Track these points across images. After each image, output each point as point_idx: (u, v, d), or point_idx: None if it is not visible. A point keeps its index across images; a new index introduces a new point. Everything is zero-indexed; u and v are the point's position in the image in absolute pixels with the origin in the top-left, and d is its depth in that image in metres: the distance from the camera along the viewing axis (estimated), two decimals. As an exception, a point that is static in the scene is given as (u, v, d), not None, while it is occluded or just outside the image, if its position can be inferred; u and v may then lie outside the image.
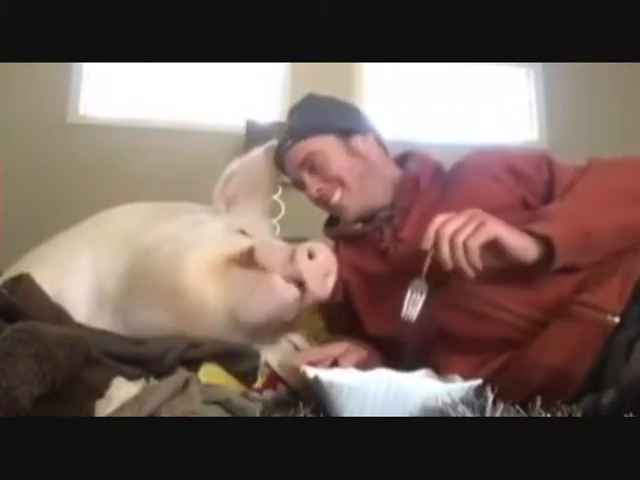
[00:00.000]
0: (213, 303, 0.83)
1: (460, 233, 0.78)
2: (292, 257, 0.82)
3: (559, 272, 0.82)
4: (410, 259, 0.96)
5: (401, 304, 0.92)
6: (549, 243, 0.78)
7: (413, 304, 0.84)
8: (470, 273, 0.79)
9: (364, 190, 1.04)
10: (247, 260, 0.85)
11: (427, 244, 0.81)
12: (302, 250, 0.82)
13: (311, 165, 1.06)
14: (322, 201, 1.08)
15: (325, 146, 1.06)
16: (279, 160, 1.12)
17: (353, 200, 1.04)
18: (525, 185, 0.97)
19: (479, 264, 0.78)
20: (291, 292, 0.82)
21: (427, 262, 0.83)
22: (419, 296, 0.84)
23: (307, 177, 1.07)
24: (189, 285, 0.84)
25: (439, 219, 0.81)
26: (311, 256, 0.82)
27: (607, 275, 0.82)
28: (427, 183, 1.04)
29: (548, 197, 0.95)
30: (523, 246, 0.79)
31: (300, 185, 1.11)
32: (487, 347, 0.89)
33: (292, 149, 1.08)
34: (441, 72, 3.44)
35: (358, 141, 1.08)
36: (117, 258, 0.93)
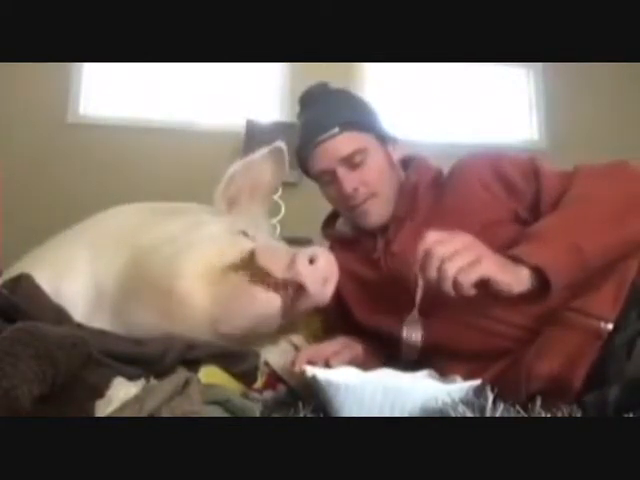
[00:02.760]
0: (199, 309, 0.84)
1: (451, 263, 0.73)
2: (293, 261, 0.82)
3: None
4: (399, 272, 0.96)
5: (389, 310, 0.92)
6: (542, 273, 0.75)
7: (410, 340, 0.81)
8: (453, 294, 0.75)
9: (390, 201, 1.02)
10: (248, 263, 0.85)
11: (418, 267, 0.76)
12: (303, 254, 0.82)
13: (355, 162, 0.99)
14: (349, 200, 1.01)
15: (371, 147, 1.01)
16: (308, 146, 1.02)
17: (379, 211, 1.02)
18: (516, 198, 0.94)
19: (467, 293, 0.75)
20: (272, 304, 0.82)
21: (420, 290, 0.78)
22: (414, 335, 0.81)
23: (344, 172, 0.99)
24: (180, 289, 0.84)
25: (431, 237, 0.76)
26: (312, 261, 0.82)
27: (601, 281, 0.81)
28: (424, 192, 1.02)
29: (536, 208, 0.92)
30: (516, 283, 0.75)
31: (326, 176, 1.03)
32: (482, 356, 0.89)
33: (336, 139, 0.99)
34: (441, 72, 3.44)
35: (391, 149, 1.06)
36: (116, 258, 0.93)
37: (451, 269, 0.73)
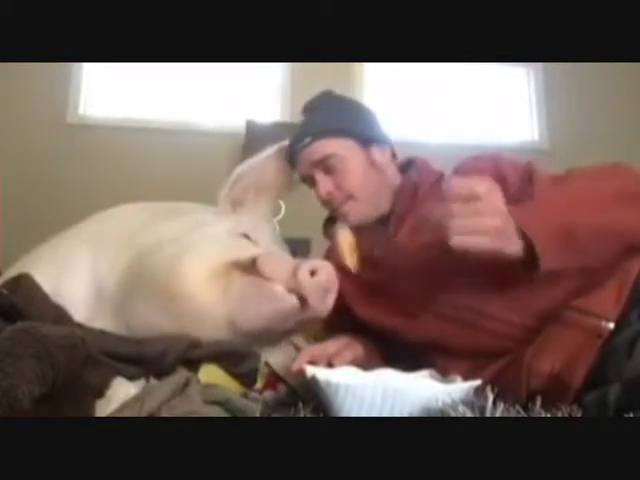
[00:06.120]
0: (211, 308, 0.84)
1: (466, 221, 0.72)
2: (295, 272, 0.83)
3: (551, 278, 0.81)
4: (399, 267, 0.97)
5: (390, 305, 0.93)
6: (530, 243, 0.73)
7: None
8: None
9: (372, 202, 1.04)
10: (249, 269, 0.85)
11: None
12: (305, 266, 0.83)
13: (327, 167, 1.04)
14: (327, 204, 1.07)
15: (346, 152, 1.04)
16: (292, 155, 1.10)
17: (359, 210, 1.04)
18: (512, 201, 0.95)
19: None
20: (291, 301, 0.82)
21: None
22: None
23: (320, 177, 1.05)
24: (188, 290, 0.84)
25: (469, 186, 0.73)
26: (313, 273, 0.83)
27: (603, 279, 0.80)
28: (425, 192, 1.03)
29: None
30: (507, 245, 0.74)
31: (308, 182, 1.09)
32: (482, 355, 0.89)
33: (310, 147, 1.05)
34: (441, 72, 3.44)
35: (377, 153, 1.07)
36: (116, 258, 0.93)
37: (461, 229, 0.72)
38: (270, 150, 1.09)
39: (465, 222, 0.72)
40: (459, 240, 0.72)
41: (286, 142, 1.11)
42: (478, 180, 0.74)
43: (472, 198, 0.72)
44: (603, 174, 0.88)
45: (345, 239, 0.84)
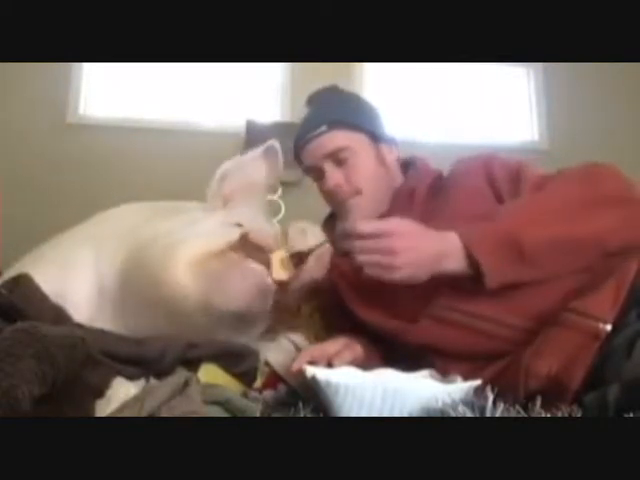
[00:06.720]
0: (191, 293, 0.84)
1: (367, 256, 0.80)
2: (286, 234, 0.85)
3: (548, 281, 0.82)
4: None
5: (387, 308, 0.95)
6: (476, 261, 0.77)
7: None
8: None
9: (376, 200, 1.04)
10: (242, 245, 0.86)
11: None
12: (294, 227, 0.85)
13: (339, 159, 1.03)
14: (334, 196, 1.06)
15: (359, 146, 1.04)
16: (298, 146, 1.08)
17: (363, 206, 1.03)
18: (502, 203, 0.95)
19: None
20: (263, 276, 0.84)
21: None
22: None
23: (330, 168, 1.04)
24: (171, 278, 0.84)
25: (372, 227, 0.81)
26: (304, 233, 0.84)
27: (601, 281, 0.80)
28: (421, 196, 1.03)
29: None
30: (435, 267, 0.80)
31: (314, 173, 1.08)
32: (480, 357, 0.89)
33: (323, 137, 1.04)
34: (441, 72, 3.44)
35: (386, 151, 1.07)
36: (116, 256, 0.94)
37: (359, 259, 0.80)
38: (257, 150, 1.08)
39: (368, 259, 0.80)
40: (370, 272, 0.80)
41: (273, 142, 1.09)
42: (387, 222, 0.82)
43: (376, 236, 0.79)
44: (585, 178, 0.88)
45: (277, 255, 0.87)
